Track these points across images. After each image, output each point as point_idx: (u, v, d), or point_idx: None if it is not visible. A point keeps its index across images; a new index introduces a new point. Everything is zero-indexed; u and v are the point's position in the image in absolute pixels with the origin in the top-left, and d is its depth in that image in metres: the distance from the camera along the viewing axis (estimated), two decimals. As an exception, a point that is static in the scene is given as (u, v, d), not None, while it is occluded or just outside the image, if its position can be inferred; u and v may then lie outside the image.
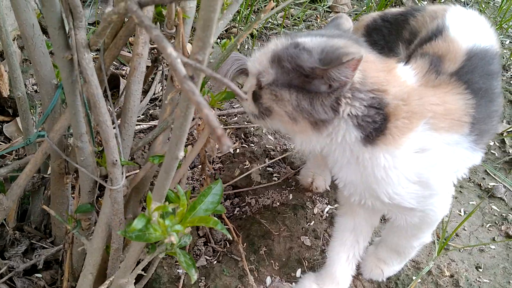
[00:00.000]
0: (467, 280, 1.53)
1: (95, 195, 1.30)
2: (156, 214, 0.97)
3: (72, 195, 1.48)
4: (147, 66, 1.26)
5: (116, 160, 1.10)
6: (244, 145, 2.03)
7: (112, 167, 1.11)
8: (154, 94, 2.23)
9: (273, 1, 1.40)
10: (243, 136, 2.07)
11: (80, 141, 1.15)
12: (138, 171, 1.37)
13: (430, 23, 1.39)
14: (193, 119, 1.24)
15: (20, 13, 1.06)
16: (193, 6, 1.19)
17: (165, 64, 1.33)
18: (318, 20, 2.96)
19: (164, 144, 1.30)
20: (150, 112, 2.14)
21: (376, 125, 1.09)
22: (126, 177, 1.21)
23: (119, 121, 1.24)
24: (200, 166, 1.86)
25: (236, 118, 2.18)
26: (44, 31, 1.17)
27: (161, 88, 2.29)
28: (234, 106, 2.25)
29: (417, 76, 1.19)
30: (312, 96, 1.07)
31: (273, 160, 1.93)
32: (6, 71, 2.08)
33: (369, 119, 1.08)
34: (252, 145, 2.02)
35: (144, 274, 1.36)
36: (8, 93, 2.06)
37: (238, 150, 1.99)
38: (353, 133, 1.10)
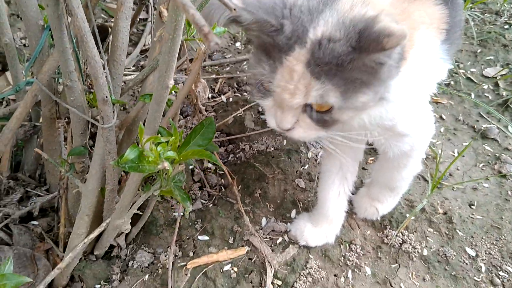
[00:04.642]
0: (460, 217, 1.55)
1: (87, 137, 1.30)
2: (148, 145, 0.97)
3: (65, 144, 1.47)
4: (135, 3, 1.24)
5: (107, 97, 1.08)
6: (237, 94, 2.02)
7: (102, 105, 1.09)
8: (144, 45, 2.20)
9: None
10: (235, 85, 2.05)
11: (69, 80, 1.13)
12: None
13: None
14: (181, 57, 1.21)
15: None
16: None
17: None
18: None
19: (155, 83, 1.28)
20: (141, 63, 2.12)
21: None
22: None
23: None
24: (192, 115, 1.86)
25: (228, 68, 2.16)
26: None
27: (151, 39, 2.26)
28: (226, 56, 2.23)
29: None
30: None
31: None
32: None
33: None
34: (245, 93, 2.01)
35: (141, 213, 1.38)
36: (-5, 48, 2.03)
37: (231, 99, 1.98)
38: None
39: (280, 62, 0.88)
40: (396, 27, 0.78)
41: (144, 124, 1.02)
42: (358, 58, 0.83)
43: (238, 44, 2.34)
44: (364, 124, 1.08)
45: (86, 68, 1.22)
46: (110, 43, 1.19)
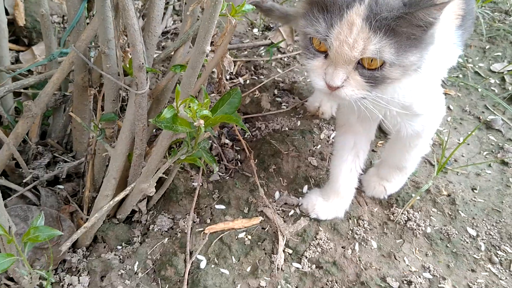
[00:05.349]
0: (463, 199, 1.63)
1: (119, 104, 1.38)
2: (182, 107, 1.05)
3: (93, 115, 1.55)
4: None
5: (143, 63, 1.16)
6: (253, 77, 2.10)
7: (138, 71, 1.17)
8: (165, 27, 2.29)
9: None
10: (253, 69, 2.14)
11: (107, 47, 1.22)
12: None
13: None
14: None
15: None
16: None
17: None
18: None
19: (184, 56, 1.37)
20: (162, 44, 2.21)
21: None
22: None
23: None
24: (213, 94, 1.94)
25: (246, 52, 2.25)
26: None
27: (172, 22, 2.35)
28: (244, 41, 2.32)
29: None
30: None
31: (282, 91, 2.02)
32: (21, 0, 2.12)
33: None
34: (262, 77, 2.10)
35: (166, 177, 1.46)
36: (24, 23, 2.11)
37: (248, 81, 2.07)
38: None
39: (340, 17, 0.97)
40: None
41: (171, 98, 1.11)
42: (411, 13, 0.93)
43: (255, 30, 2.43)
44: (395, 96, 1.16)
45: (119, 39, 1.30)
46: (146, 15, 1.27)
